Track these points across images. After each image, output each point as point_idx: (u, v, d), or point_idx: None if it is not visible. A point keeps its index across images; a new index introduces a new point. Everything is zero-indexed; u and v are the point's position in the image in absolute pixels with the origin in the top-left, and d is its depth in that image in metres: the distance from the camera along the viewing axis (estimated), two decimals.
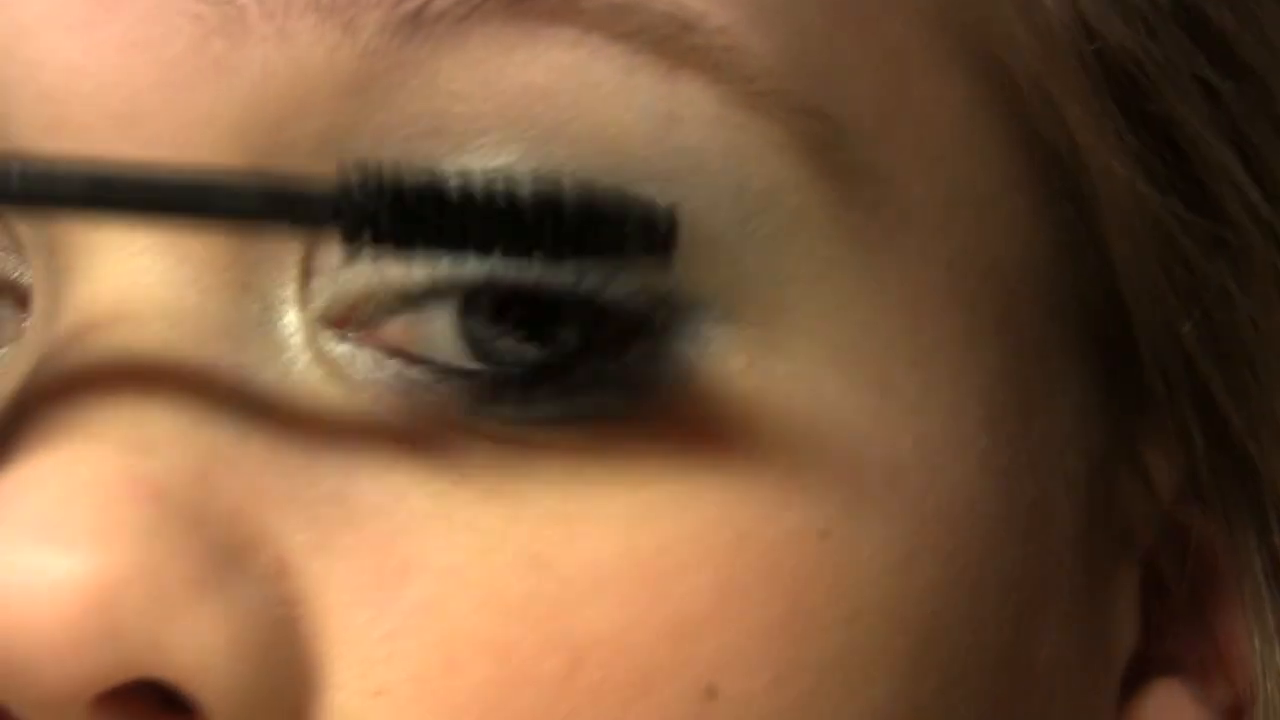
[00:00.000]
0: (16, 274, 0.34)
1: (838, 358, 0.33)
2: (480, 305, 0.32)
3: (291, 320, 0.32)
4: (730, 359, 0.32)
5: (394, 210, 0.30)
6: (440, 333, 0.32)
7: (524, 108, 0.32)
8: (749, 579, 0.32)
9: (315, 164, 0.32)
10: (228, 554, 0.30)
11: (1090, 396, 0.37)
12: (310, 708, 0.30)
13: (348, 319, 0.32)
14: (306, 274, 0.32)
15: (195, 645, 0.29)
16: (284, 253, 0.32)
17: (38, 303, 0.33)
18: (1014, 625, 0.35)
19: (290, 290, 0.32)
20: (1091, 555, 0.37)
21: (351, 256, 0.31)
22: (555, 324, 0.32)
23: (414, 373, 0.32)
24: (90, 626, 0.29)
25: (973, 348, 0.35)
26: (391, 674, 0.30)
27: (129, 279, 0.32)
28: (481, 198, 0.30)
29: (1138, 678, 0.38)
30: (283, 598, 0.30)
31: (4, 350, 0.34)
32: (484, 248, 0.30)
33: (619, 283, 0.32)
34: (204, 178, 0.30)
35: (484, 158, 0.32)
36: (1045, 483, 0.36)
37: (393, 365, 0.32)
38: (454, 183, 0.30)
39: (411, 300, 0.32)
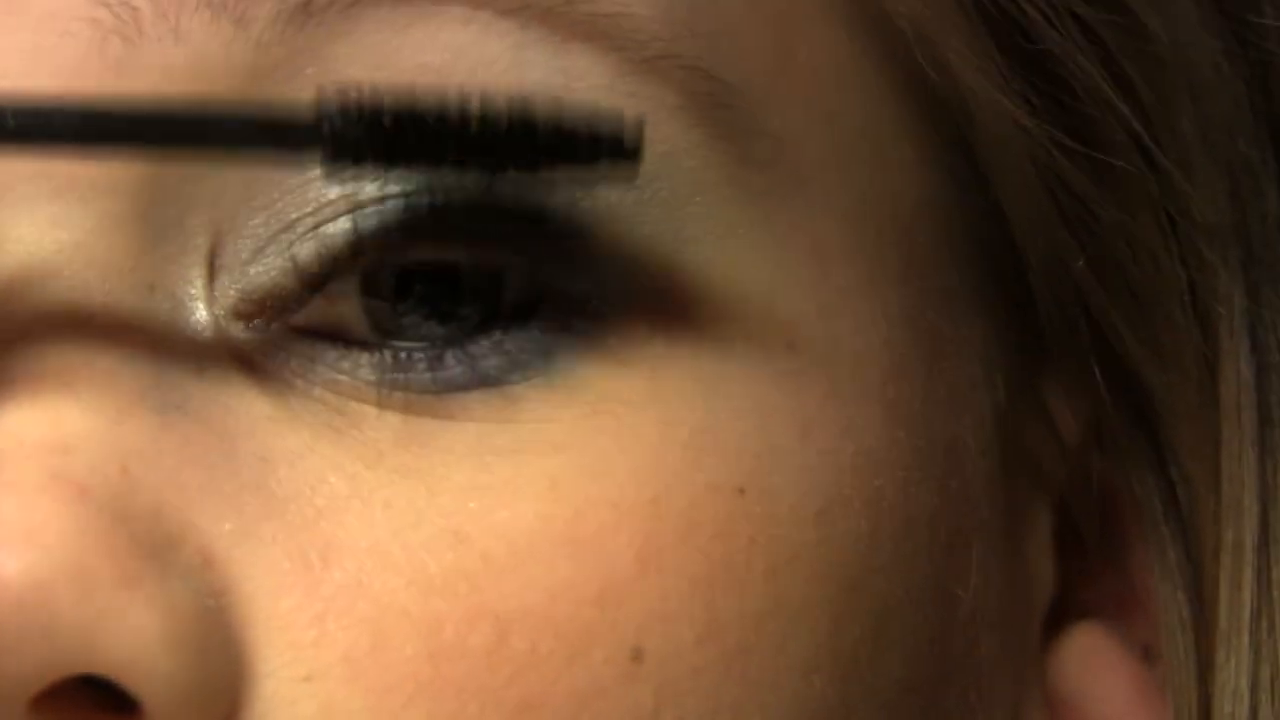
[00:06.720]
0: None
1: (743, 317, 0.33)
2: (382, 286, 0.32)
3: (201, 316, 0.32)
4: (636, 322, 0.33)
5: (373, 132, 0.30)
6: (346, 318, 0.32)
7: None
8: (667, 540, 0.32)
9: None
10: (154, 548, 0.30)
11: (993, 341, 0.38)
12: (244, 696, 0.30)
13: (256, 313, 0.32)
14: (213, 271, 0.32)
15: (129, 639, 0.29)
16: (188, 251, 0.32)
17: None
18: (935, 571, 0.35)
19: (198, 287, 0.32)
20: (1005, 499, 0.38)
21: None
22: (457, 300, 0.33)
23: (322, 355, 0.32)
24: (24, 624, 0.29)
25: (876, 297, 0.35)
26: (321, 657, 0.31)
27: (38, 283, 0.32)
28: (456, 115, 0.30)
29: (1057, 623, 0.39)
30: (211, 588, 0.30)
31: None
32: (460, 163, 0.31)
33: (519, 253, 0.32)
34: (191, 110, 0.31)
35: None
36: (955, 429, 0.36)
37: (300, 350, 0.32)
38: (429, 102, 0.30)
39: (315, 287, 0.32)
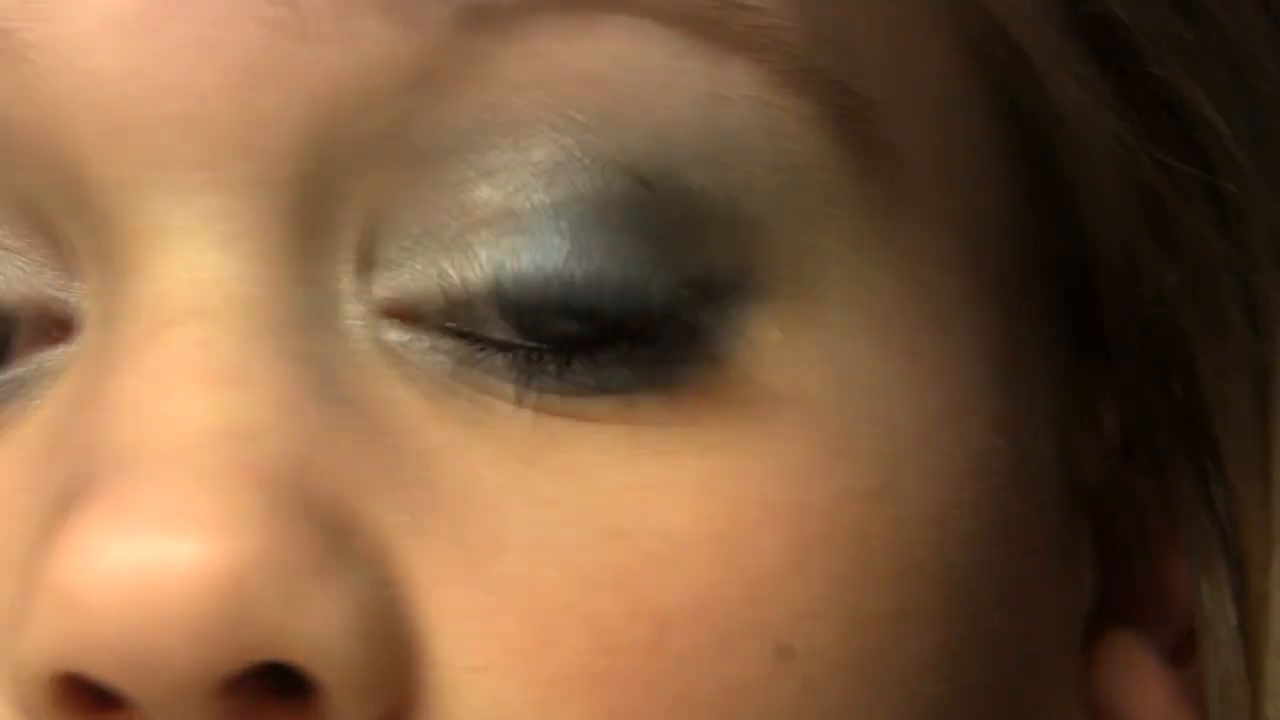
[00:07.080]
0: (55, 290, 0.34)
1: (869, 326, 0.34)
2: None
3: (351, 310, 0.33)
4: (770, 331, 0.33)
5: None
6: (484, 316, 0.33)
7: (578, 97, 0.32)
8: (811, 540, 0.33)
9: (376, 158, 0.32)
10: (335, 537, 0.31)
11: (1060, 350, 0.39)
12: (414, 685, 0.31)
13: (403, 314, 0.33)
14: (364, 266, 0.33)
15: (318, 627, 0.30)
16: (341, 247, 0.33)
17: (93, 310, 0.33)
18: (1018, 576, 0.37)
19: (347, 282, 0.33)
20: (1066, 504, 0.39)
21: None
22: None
23: (475, 355, 0.33)
24: (220, 612, 0.29)
25: (978, 310, 0.36)
26: (491, 649, 0.31)
27: (199, 274, 0.32)
28: None
29: (1094, 628, 0.40)
30: (386, 578, 0.31)
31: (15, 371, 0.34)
32: None
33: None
34: None
35: (539, 147, 0.32)
36: (1035, 437, 0.37)
37: (448, 349, 0.33)
38: None
39: (459, 298, 0.33)
